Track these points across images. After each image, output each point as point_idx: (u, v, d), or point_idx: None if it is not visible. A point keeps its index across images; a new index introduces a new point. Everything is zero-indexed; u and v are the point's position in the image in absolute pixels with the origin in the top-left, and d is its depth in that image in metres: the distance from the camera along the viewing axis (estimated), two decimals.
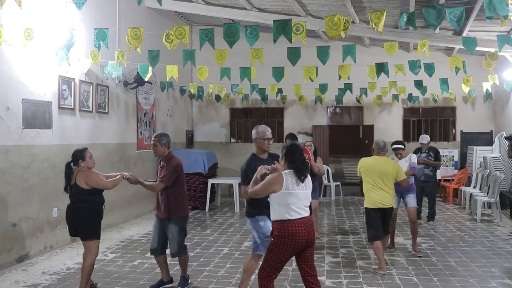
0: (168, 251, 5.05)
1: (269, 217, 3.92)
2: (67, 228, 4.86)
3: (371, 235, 5.67)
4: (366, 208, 5.75)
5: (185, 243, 5.06)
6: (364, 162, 5.83)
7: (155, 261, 6.07)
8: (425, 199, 8.91)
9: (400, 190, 6.32)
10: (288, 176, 3.68)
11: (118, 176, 4.86)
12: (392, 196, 5.70)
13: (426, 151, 8.81)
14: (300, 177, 3.69)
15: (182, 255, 5.03)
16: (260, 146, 4.33)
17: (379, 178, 5.62)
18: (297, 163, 3.72)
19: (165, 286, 5.11)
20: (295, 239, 3.62)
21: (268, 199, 3.83)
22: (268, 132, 4.34)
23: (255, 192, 3.80)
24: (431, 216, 8.88)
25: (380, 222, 5.66)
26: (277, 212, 3.72)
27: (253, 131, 4.41)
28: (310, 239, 3.71)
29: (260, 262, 3.99)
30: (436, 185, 9.14)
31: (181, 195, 4.92)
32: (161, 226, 4.97)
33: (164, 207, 4.87)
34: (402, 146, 6.78)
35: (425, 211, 9.03)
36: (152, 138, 4.98)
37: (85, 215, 4.69)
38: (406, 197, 6.53)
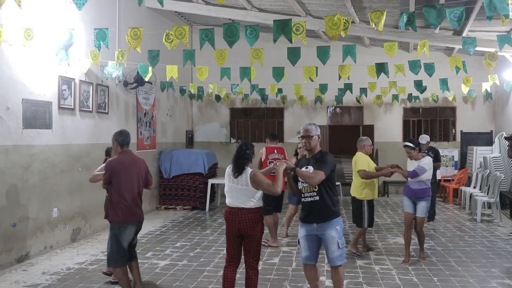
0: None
1: (308, 224, 4.24)
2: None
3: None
4: (369, 201, 6.42)
5: (119, 256, 4.57)
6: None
7: (155, 262, 6.10)
8: None
9: (411, 194, 6.01)
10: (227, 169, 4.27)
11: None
12: (354, 188, 6.47)
13: (426, 151, 8.80)
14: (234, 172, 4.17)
15: (111, 265, 4.70)
16: (301, 145, 4.59)
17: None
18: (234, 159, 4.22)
19: None
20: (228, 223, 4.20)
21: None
22: (306, 130, 4.35)
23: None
24: (431, 216, 8.87)
25: None
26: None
27: None
28: (241, 227, 4.13)
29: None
30: (435, 186, 9.13)
31: (115, 199, 4.56)
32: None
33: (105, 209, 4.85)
34: (411, 145, 6.11)
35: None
36: None
37: None
38: (417, 203, 6.00)
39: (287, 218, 7.65)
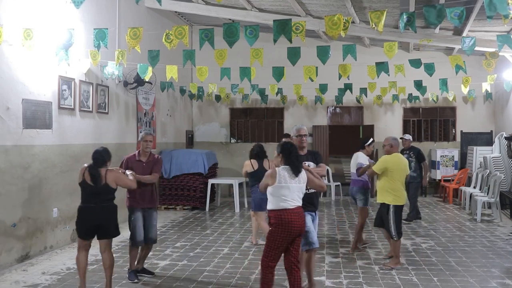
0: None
1: (309, 212, 4.60)
2: (83, 230, 4.76)
3: (400, 232, 5.76)
4: (395, 206, 5.72)
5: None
6: (392, 160, 5.79)
7: (155, 262, 6.09)
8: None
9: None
10: (281, 171, 4.17)
11: (131, 177, 5.03)
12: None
13: (407, 151, 8.75)
14: (295, 172, 4.16)
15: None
16: (296, 143, 4.70)
17: (404, 175, 5.84)
18: (293, 159, 4.19)
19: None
20: (291, 227, 4.09)
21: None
22: (302, 129, 4.80)
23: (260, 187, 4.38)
24: (413, 216, 8.78)
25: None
26: (272, 203, 4.19)
27: (292, 130, 4.93)
28: (302, 227, 4.19)
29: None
30: (419, 186, 9.01)
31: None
32: (143, 216, 5.34)
33: (152, 198, 5.41)
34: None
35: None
36: (150, 136, 5.45)
37: (115, 214, 4.80)
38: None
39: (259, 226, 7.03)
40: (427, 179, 8.21)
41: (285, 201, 4.11)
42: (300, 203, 4.20)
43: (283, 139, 6.92)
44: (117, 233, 4.85)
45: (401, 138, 8.49)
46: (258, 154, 6.99)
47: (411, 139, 9.10)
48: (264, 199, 4.47)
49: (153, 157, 5.47)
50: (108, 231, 4.77)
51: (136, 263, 5.45)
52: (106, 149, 4.87)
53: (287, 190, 4.11)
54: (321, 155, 4.88)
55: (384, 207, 5.81)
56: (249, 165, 6.95)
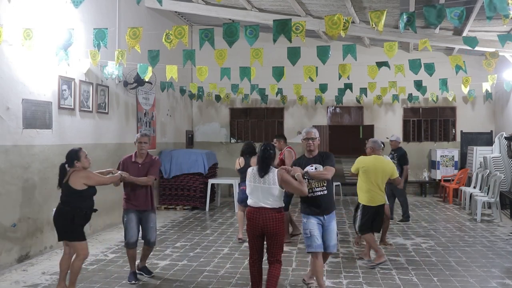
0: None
1: (315, 216, 4.63)
2: (56, 231, 4.79)
3: (363, 228, 5.91)
4: (363, 205, 5.91)
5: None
6: (365, 161, 5.95)
7: (155, 262, 6.09)
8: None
9: None
10: (252, 171, 4.44)
11: (116, 174, 5.05)
12: (384, 194, 5.98)
13: (392, 152, 8.70)
14: (260, 173, 4.35)
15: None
16: (303, 146, 4.85)
17: (380, 177, 5.81)
18: (260, 161, 4.42)
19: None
20: (250, 224, 4.37)
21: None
22: (310, 133, 4.82)
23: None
24: (406, 217, 8.76)
25: (371, 218, 5.88)
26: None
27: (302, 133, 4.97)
28: (263, 227, 4.28)
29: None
30: (404, 187, 8.83)
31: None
32: (138, 218, 5.33)
33: (147, 199, 5.33)
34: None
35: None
36: (145, 138, 5.40)
37: (70, 218, 4.60)
38: None
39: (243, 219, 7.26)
40: (403, 184, 7.88)
41: (250, 198, 4.41)
42: (266, 204, 4.28)
43: (274, 140, 7.28)
44: (75, 237, 4.66)
45: (387, 138, 8.41)
46: (245, 152, 7.34)
47: (399, 140, 9.00)
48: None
49: (150, 158, 5.42)
50: (63, 234, 4.69)
51: (139, 261, 5.50)
52: (76, 149, 4.84)
53: (249, 189, 4.39)
54: (332, 157, 4.75)
55: (358, 205, 6.05)
56: (237, 163, 7.40)
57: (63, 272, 4.77)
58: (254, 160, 7.09)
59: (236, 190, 10.33)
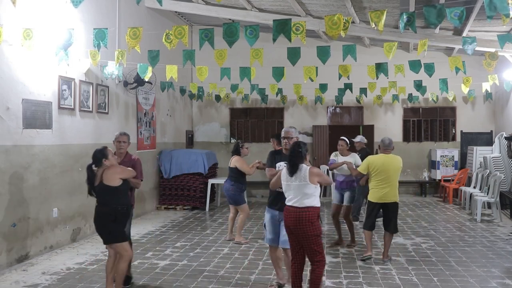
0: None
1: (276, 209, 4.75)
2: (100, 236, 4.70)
3: (369, 224, 6.17)
4: (369, 201, 6.17)
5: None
6: (375, 160, 6.15)
7: (155, 262, 6.09)
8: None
9: (342, 186, 7.00)
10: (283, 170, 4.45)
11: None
12: (395, 192, 6.11)
13: (358, 153, 8.62)
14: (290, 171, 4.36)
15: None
16: (282, 144, 4.95)
17: (391, 175, 6.03)
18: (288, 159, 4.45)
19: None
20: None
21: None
22: (287, 132, 4.88)
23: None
24: (354, 218, 8.40)
25: (375, 215, 6.17)
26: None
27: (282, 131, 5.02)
28: (291, 226, 4.29)
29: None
30: (355, 191, 8.72)
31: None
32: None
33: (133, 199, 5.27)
34: (346, 139, 7.28)
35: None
36: (125, 137, 5.31)
37: (112, 219, 4.53)
38: (344, 194, 7.01)
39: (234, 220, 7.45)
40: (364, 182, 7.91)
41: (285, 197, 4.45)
42: (296, 203, 4.28)
43: (271, 139, 7.31)
44: (110, 239, 4.59)
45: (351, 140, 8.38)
46: (232, 151, 7.59)
47: (364, 141, 9.01)
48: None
49: (130, 157, 5.23)
50: (102, 235, 4.62)
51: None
52: (102, 148, 4.70)
53: (284, 187, 4.43)
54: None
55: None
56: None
57: (109, 275, 4.67)
58: (233, 159, 7.38)
59: None
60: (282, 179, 4.41)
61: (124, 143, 5.25)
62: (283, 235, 4.67)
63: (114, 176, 4.55)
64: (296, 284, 4.43)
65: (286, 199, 4.38)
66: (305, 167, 4.30)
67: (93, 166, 4.65)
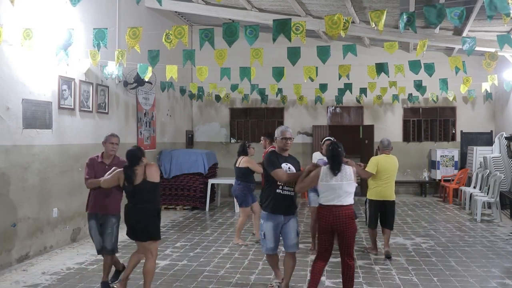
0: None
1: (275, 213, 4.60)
2: (127, 229, 4.62)
3: (374, 223, 6.39)
4: (371, 200, 6.37)
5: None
6: (381, 160, 6.35)
7: (155, 262, 6.07)
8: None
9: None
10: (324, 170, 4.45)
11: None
12: (392, 190, 6.37)
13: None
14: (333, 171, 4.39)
15: (117, 250, 5.09)
16: (279, 145, 4.71)
17: (392, 174, 6.30)
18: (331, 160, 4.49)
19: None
20: (320, 221, 4.42)
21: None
22: (286, 132, 4.71)
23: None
24: None
25: (378, 213, 6.38)
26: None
27: (276, 131, 4.80)
28: (333, 224, 4.33)
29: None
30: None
31: (119, 195, 5.03)
32: (99, 224, 4.93)
33: (105, 202, 4.90)
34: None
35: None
36: (116, 139, 5.14)
37: (155, 216, 4.55)
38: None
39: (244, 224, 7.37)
40: None
41: (322, 197, 4.45)
42: (338, 202, 4.33)
43: (262, 137, 7.55)
44: (151, 236, 4.55)
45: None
46: (239, 152, 7.49)
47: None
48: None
49: (118, 160, 5.07)
50: (144, 233, 4.54)
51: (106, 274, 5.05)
52: (138, 147, 4.69)
53: (323, 188, 4.42)
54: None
55: (365, 201, 6.60)
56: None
57: (130, 269, 4.74)
58: (241, 159, 7.28)
59: None
60: (320, 178, 4.39)
61: (116, 144, 5.11)
62: (292, 238, 4.60)
63: (155, 173, 4.58)
64: (315, 282, 4.44)
65: (324, 199, 4.39)
66: (347, 167, 4.42)
67: (132, 166, 4.51)
